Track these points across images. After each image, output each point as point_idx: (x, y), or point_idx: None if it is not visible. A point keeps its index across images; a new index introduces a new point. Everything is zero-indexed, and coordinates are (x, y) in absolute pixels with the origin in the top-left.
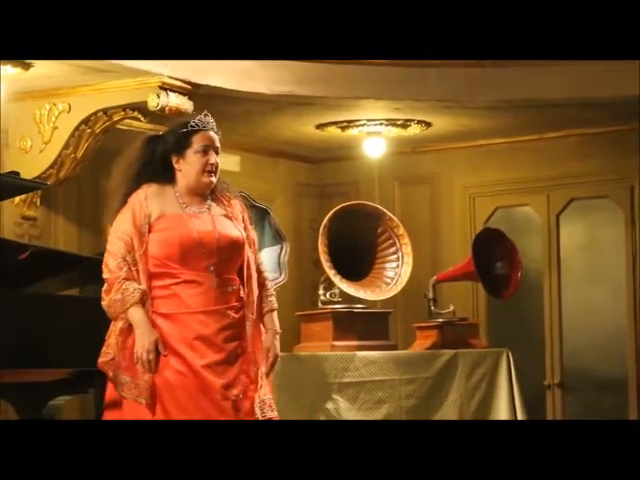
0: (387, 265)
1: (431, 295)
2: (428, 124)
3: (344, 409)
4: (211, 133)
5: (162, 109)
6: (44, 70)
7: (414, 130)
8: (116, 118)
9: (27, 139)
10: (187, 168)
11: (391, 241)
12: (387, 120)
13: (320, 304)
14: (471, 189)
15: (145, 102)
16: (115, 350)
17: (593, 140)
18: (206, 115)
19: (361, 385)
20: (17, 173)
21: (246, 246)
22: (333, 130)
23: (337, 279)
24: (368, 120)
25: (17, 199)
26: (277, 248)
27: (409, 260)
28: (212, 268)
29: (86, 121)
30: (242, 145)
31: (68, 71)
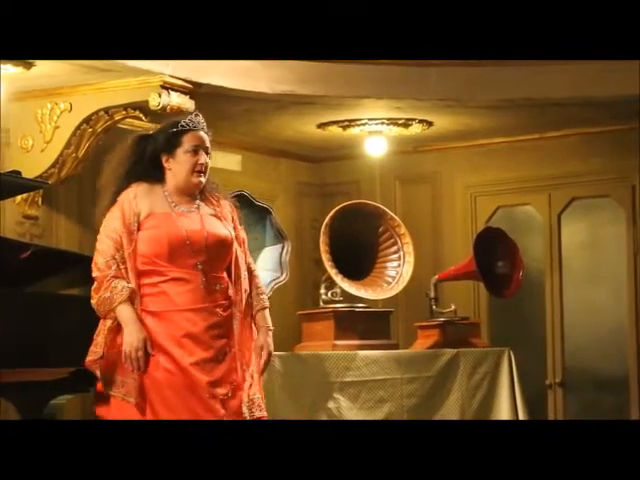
0: (388, 264)
1: (432, 294)
2: (429, 123)
3: (345, 408)
4: (201, 133)
5: (163, 108)
6: (45, 69)
7: (415, 129)
8: (117, 117)
9: (28, 138)
10: (177, 167)
11: (392, 240)
12: (388, 119)
13: (321, 303)
14: (472, 188)
15: (146, 101)
16: (104, 349)
17: (594, 139)
18: (197, 115)
19: (362, 384)
20: (18, 172)
21: (235, 245)
22: (334, 129)
23: (338, 278)
24: (369, 119)
25: (18, 198)
26: (278, 247)
27: (410, 259)
28: (200, 266)
29: (87, 120)
30: (243, 144)
31: (69, 70)
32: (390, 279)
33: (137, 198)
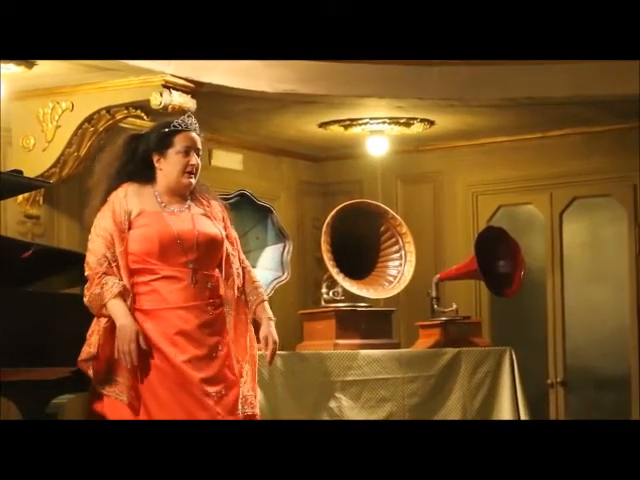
0: (390, 263)
1: (434, 293)
2: (431, 122)
3: (347, 407)
4: (193, 134)
5: (165, 107)
6: (47, 69)
7: (417, 128)
8: (119, 116)
9: (30, 137)
10: (168, 168)
11: (394, 239)
12: (390, 118)
13: (323, 302)
14: (474, 187)
15: (148, 100)
16: (97, 349)
17: (596, 138)
18: (189, 116)
19: (364, 383)
20: (20, 171)
21: (225, 244)
22: (336, 128)
23: (340, 277)
24: (371, 118)
25: (20, 197)
26: (280, 246)
27: (412, 258)
28: (191, 265)
29: (89, 119)
30: (245, 143)
31: (71, 70)
32: (391, 278)
33: (127, 197)
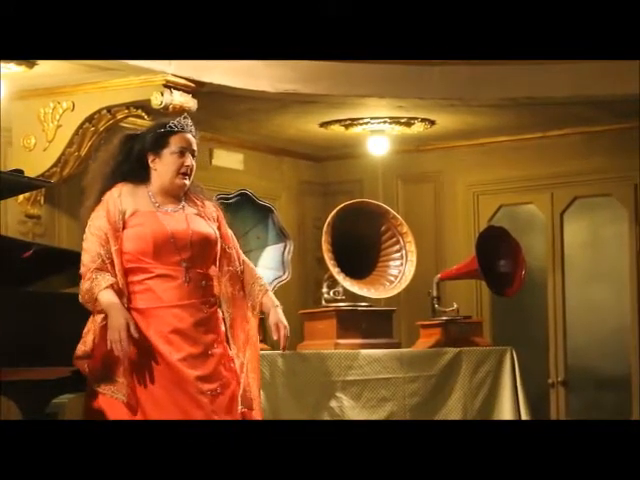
0: (391, 263)
1: (435, 293)
2: (432, 122)
3: (348, 407)
4: (189, 136)
5: (166, 107)
6: (48, 68)
7: (418, 128)
8: (120, 116)
9: (31, 137)
10: (162, 168)
11: (395, 239)
12: (391, 118)
13: (324, 302)
14: (475, 187)
15: (149, 100)
16: (92, 346)
17: (596, 138)
18: (185, 118)
19: (365, 383)
20: (21, 171)
21: (219, 243)
22: (337, 128)
23: (341, 277)
24: (372, 118)
25: (21, 197)
26: (281, 246)
27: (413, 258)
28: (184, 263)
29: (90, 119)
30: (246, 143)
31: (72, 69)
32: (392, 278)
33: (122, 197)
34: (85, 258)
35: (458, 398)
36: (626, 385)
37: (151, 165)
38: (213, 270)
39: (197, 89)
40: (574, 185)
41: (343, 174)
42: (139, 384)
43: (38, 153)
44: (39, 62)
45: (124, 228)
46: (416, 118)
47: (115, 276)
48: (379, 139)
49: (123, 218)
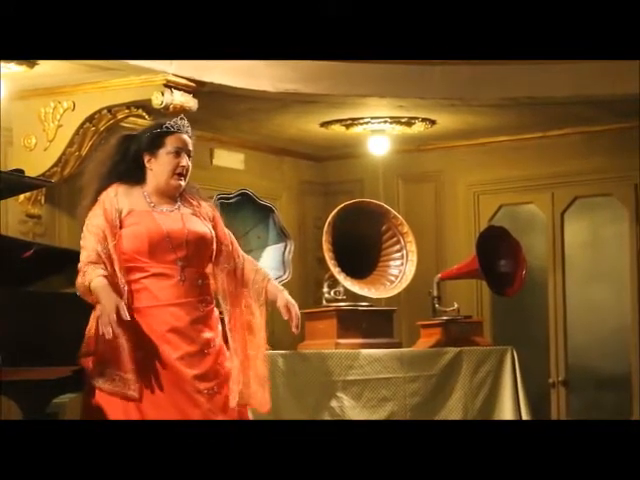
0: (391, 263)
1: (435, 293)
2: (432, 122)
3: (348, 407)
4: (185, 136)
5: (166, 107)
6: (48, 68)
7: (418, 128)
8: (120, 116)
9: (31, 137)
10: (158, 168)
11: (395, 239)
12: (391, 118)
13: (324, 302)
14: (475, 187)
15: (149, 100)
16: (95, 340)
17: (596, 138)
18: (182, 119)
19: (365, 383)
20: (21, 171)
21: (215, 242)
22: (337, 128)
23: (341, 277)
24: (372, 118)
25: (21, 197)
26: (281, 246)
27: (413, 258)
28: (180, 262)
29: (90, 119)
30: (246, 143)
31: (72, 69)
32: (393, 278)
33: (118, 196)
34: (82, 255)
35: (459, 398)
36: (626, 385)
37: (147, 165)
38: (210, 269)
39: (198, 89)
40: (574, 185)
41: (344, 174)
42: (137, 382)
43: (39, 153)
44: (40, 62)
45: (121, 227)
46: (417, 118)
47: (113, 272)
48: (380, 139)
49: (120, 217)
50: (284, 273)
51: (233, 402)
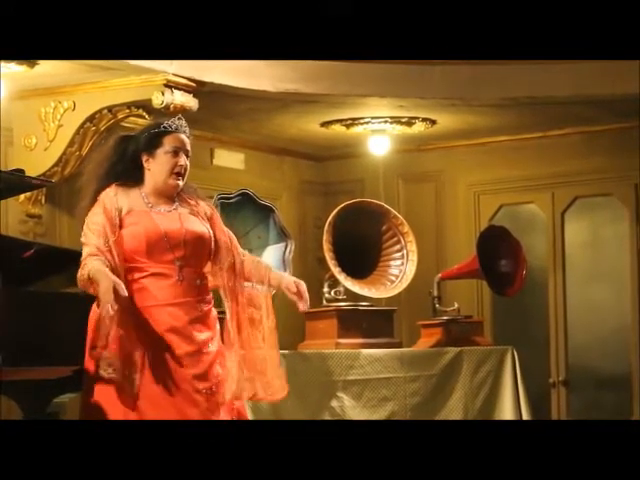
0: (392, 263)
1: (435, 293)
2: (433, 122)
3: (349, 407)
4: (183, 136)
5: (167, 107)
6: (49, 68)
7: (419, 128)
8: (121, 116)
9: (32, 137)
10: (156, 168)
11: (396, 239)
12: (392, 118)
13: (325, 302)
14: (476, 187)
15: (150, 100)
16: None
17: (596, 138)
18: (179, 119)
19: (366, 383)
20: (22, 171)
21: (212, 241)
22: (338, 128)
23: (342, 277)
24: (373, 118)
25: (22, 197)
26: (282, 246)
27: (413, 258)
28: (178, 262)
29: (91, 119)
30: (247, 143)
31: (73, 69)
32: (393, 277)
33: (118, 195)
34: (84, 251)
35: (459, 398)
36: (627, 385)
37: (145, 165)
38: (208, 267)
39: (198, 89)
40: (575, 185)
41: (344, 174)
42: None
43: (39, 153)
44: (40, 62)
45: (121, 227)
46: (417, 118)
47: (115, 267)
48: (380, 139)
49: (120, 215)
50: (284, 273)
51: (228, 396)
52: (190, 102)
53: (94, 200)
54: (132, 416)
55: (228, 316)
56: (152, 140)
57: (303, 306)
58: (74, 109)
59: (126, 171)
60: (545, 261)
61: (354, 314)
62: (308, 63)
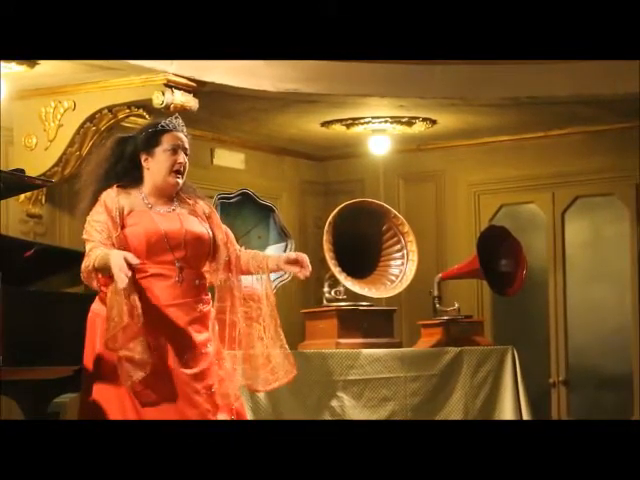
0: (392, 263)
1: (436, 293)
2: (433, 121)
3: (349, 407)
4: (181, 134)
5: (167, 107)
6: (49, 68)
7: (419, 127)
8: (121, 116)
9: (32, 137)
10: (155, 166)
11: (396, 239)
12: (392, 118)
13: (325, 301)
14: (476, 186)
15: (150, 100)
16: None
17: (597, 137)
18: (177, 118)
19: (366, 383)
20: (22, 171)
21: (211, 241)
22: (338, 128)
23: (342, 277)
24: (373, 118)
25: (22, 197)
26: (282, 246)
27: (414, 258)
28: (178, 263)
29: (91, 119)
30: (247, 143)
31: (73, 69)
32: (393, 277)
33: (119, 196)
34: (86, 246)
35: (459, 398)
36: (627, 384)
37: (144, 165)
38: (206, 267)
39: (198, 88)
40: (575, 184)
41: (344, 173)
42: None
43: (39, 152)
44: (40, 62)
45: (122, 227)
46: (417, 117)
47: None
48: (380, 138)
49: (121, 214)
50: (285, 273)
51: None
52: (190, 102)
53: (94, 201)
54: (130, 415)
55: (227, 312)
56: (150, 139)
57: (304, 273)
58: (74, 109)
59: (125, 171)
60: (545, 261)
61: (354, 314)
62: (308, 63)
